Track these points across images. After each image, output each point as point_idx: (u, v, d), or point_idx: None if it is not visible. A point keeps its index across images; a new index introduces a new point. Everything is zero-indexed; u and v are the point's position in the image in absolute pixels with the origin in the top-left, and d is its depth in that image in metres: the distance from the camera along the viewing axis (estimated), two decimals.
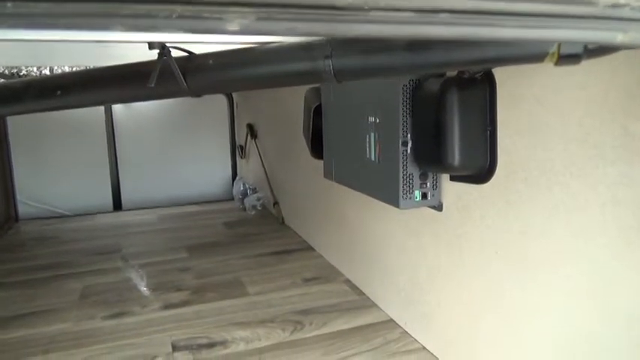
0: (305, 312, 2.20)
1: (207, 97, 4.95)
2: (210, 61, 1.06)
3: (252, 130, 4.26)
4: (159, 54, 1.01)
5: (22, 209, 4.15)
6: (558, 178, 1.24)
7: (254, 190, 4.07)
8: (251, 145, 4.31)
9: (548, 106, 1.26)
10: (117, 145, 4.47)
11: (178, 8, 0.29)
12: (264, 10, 0.32)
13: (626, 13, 0.42)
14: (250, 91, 4.31)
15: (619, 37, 0.45)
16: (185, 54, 1.11)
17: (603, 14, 0.43)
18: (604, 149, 1.11)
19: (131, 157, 4.53)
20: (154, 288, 2.53)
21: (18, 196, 4.12)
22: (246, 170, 4.59)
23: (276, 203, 3.75)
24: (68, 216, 4.21)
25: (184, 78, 1.08)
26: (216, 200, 4.59)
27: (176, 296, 2.39)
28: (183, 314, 2.21)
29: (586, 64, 1.14)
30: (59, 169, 4.26)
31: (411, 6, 0.35)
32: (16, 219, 4.06)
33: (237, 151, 4.78)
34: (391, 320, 2.10)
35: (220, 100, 4.76)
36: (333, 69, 0.98)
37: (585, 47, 0.86)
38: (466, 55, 0.90)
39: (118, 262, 2.93)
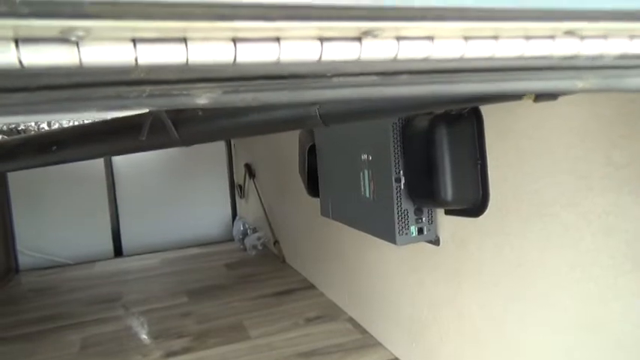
0: (308, 354, 2.16)
1: None
2: (200, 112, 1.09)
3: (250, 170, 4.30)
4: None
5: (23, 259, 4.13)
6: (548, 209, 1.25)
7: (254, 230, 4.07)
8: (249, 185, 4.34)
9: (534, 138, 1.29)
10: (117, 191, 4.50)
11: (147, 88, 0.31)
12: (229, 84, 0.34)
13: (580, 62, 0.44)
14: None
15: (579, 85, 0.47)
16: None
17: (560, 65, 0.45)
18: (591, 179, 1.12)
19: (131, 202, 4.54)
20: (155, 335, 2.49)
21: (18, 247, 4.11)
22: (246, 210, 4.60)
23: (276, 242, 3.74)
24: (69, 265, 4.19)
25: (175, 128, 1.10)
26: (217, 241, 4.58)
27: (178, 343, 2.36)
28: None
29: (565, 97, 1.17)
30: (59, 218, 4.27)
31: (374, 70, 0.38)
32: (17, 270, 4.05)
33: (236, 190, 4.80)
34: (396, 359, 2.06)
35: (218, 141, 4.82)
36: (319, 114, 1.01)
37: None
38: (445, 96, 0.93)
39: (118, 310, 2.90)
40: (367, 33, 0.32)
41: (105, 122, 1.12)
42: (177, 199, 4.66)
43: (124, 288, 3.35)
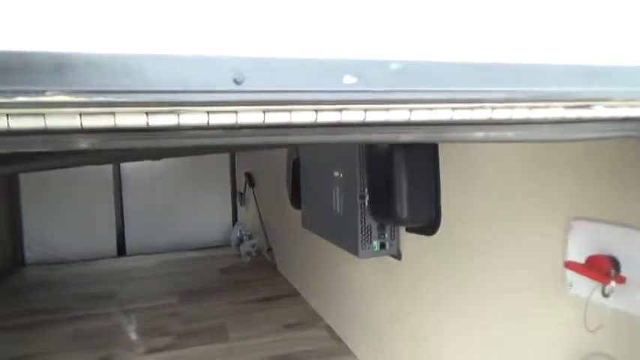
0: (282, 357, 2.28)
1: None
2: None
3: (250, 179, 4.44)
4: None
5: (29, 254, 4.33)
6: (484, 230, 1.36)
7: (249, 237, 4.20)
8: (249, 193, 4.48)
9: (478, 165, 1.40)
10: (123, 193, 4.68)
11: (39, 139, 0.45)
12: (107, 135, 0.47)
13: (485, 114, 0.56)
14: None
15: (479, 135, 0.60)
16: None
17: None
18: (517, 203, 1.23)
19: (137, 204, 4.72)
20: (142, 333, 2.63)
21: (25, 242, 4.31)
22: (245, 217, 4.75)
23: (269, 249, 3.87)
24: (73, 261, 4.37)
25: None
26: (217, 246, 4.72)
27: (161, 341, 2.49)
28: (165, 358, 2.30)
29: None
30: (66, 216, 4.46)
31: (217, 124, 0.50)
32: (23, 264, 4.24)
33: (237, 198, 4.95)
34: None
35: None
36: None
37: None
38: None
39: (111, 307, 3.05)
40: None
41: None
42: (180, 203, 4.83)
43: (120, 286, 3.51)
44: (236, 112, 0.46)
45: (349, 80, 0.44)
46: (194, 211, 4.86)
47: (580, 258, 1.02)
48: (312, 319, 2.71)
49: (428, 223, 1.63)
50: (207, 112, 0.45)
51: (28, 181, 4.28)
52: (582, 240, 1.02)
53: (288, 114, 0.47)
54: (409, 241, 1.79)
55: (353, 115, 0.51)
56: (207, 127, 0.49)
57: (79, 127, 0.42)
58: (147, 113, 0.44)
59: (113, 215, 4.66)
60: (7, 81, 0.35)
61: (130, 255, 4.59)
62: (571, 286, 1.06)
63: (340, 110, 0.50)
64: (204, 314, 2.86)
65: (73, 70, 0.36)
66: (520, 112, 0.57)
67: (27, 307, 3.15)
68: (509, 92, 0.52)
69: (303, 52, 0.43)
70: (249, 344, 2.44)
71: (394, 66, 0.45)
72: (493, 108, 0.55)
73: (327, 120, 0.50)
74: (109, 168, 4.58)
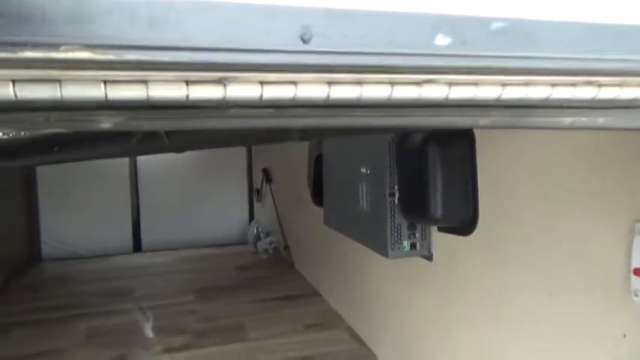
0: (302, 359, 2.20)
1: None
2: None
3: (267, 175, 4.37)
4: None
5: (46, 250, 4.31)
6: (527, 231, 1.25)
7: (267, 234, 4.13)
8: (266, 190, 4.41)
9: (520, 160, 1.29)
10: (139, 189, 4.64)
11: (53, 115, 0.36)
12: (131, 112, 0.38)
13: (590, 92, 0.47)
14: None
15: (567, 121, 0.50)
16: None
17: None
18: (568, 205, 1.13)
19: (153, 200, 4.68)
20: (158, 331, 2.57)
21: (42, 237, 4.29)
22: (262, 214, 4.67)
23: (287, 247, 3.79)
24: (89, 257, 4.34)
25: (167, 135, 1.16)
26: (232, 243, 4.65)
27: (178, 340, 2.42)
28: (182, 358, 2.23)
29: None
30: (83, 212, 4.43)
31: (270, 102, 0.41)
32: (40, 259, 4.22)
33: (254, 194, 4.88)
34: None
35: None
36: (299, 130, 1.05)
37: None
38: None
39: (127, 304, 3.00)
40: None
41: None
42: (197, 200, 4.77)
43: (136, 283, 3.45)
44: (295, 83, 0.37)
45: (442, 41, 0.35)
46: (210, 208, 4.80)
47: None
48: (333, 320, 2.62)
49: (464, 223, 1.52)
50: (261, 83, 0.36)
51: (44, 174, 4.26)
52: None
53: (358, 88, 0.38)
54: (442, 241, 1.68)
55: (435, 90, 0.41)
56: (258, 104, 0.40)
57: (104, 98, 0.33)
58: (187, 82, 0.35)
59: (129, 210, 4.62)
60: (11, 31, 0.26)
61: (146, 251, 4.55)
62: (637, 295, 0.95)
63: (420, 83, 0.40)
64: (222, 312, 2.79)
65: (95, 18, 0.28)
66: (629, 92, 0.47)
67: (42, 303, 3.11)
68: (622, 62, 0.42)
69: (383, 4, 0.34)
70: (269, 344, 2.36)
71: (497, 25, 0.36)
72: (600, 85, 0.45)
73: (402, 96, 0.41)
74: (125, 161, 4.55)
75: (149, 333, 2.55)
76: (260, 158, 4.73)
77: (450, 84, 0.41)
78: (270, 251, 3.98)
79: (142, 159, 4.63)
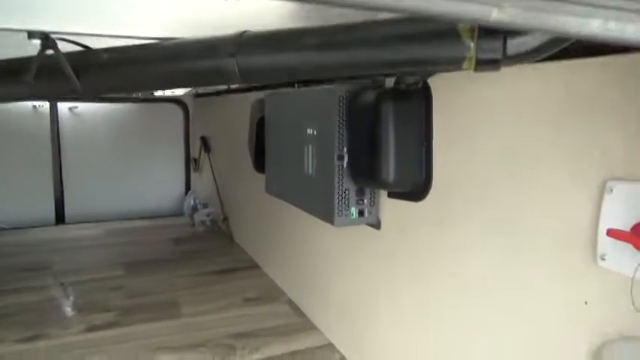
0: (240, 335, 2.06)
1: (160, 107, 4.81)
2: (105, 56, 0.94)
3: (205, 144, 4.12)
4: (41, 45, 0.89)
5: None
6: (490, 193, 1.17)
7: (204, 206, 3.91)
8: (204, 159, 4.16)
9: (480, 115, 1.20)
10: (62, 154, 4.23)
11: None
12: None
13: None
14: (204, 102, 4.18)
15: (494, 14, 0.37)
16: (81, 48, 0.99)
17: None
18: (537, 153, 1.04)
19: (77, 167, 4.29)
20: (80, 308, 2.33)
21: None
22: (200, 184, 4.43)
23: (225, 219, 3.61)
24: (5, 229, 3.93)
25: (76, 75, 0.95)
26: (168, 215, 4.39)
27: (102, 317, 2.21)
28: (106, 337, 2.03)
29: (518, 71, 1.08)
30: None
31: None
32: None
33: (191, 164, 4.61)
34: (330, 344, 1.98)
35: (175, 111, 4.61)
36: (237, 68, 0.88)
37: (504, 52, 0.80)
38: (377, 57, 0.82)
39: (45, 279, 2.72)
40: None
41: None
42: (128, 168, 4.45)
43: (58, 257, 3.15)
44: None
45: None
46: (144, 178, 4.49)
47: (620, 226, 0.84)
48: (273, 294, 2.50)
49: (416, 187, 1.43)
50: None
51: None
52: (625, 205, 0.84)
53: None
54: (391, 207, 1.58)
55: None
56: None
57: None
58: None
59: (51, 179, 4.21)
60: None
61: (70, 223, 4.19)
62: (603, 259, 0.89)
63: None
64: (154, 287, 2.59)
65: None
66: None
67: None
68: None
69: None
70: (205, 320, 2.20)
71: None
72: None
73: None
74: (45, 126, 4.12)
75: (68, 311, 2.31)
76: (198, 126, 4.46)
77: None
78: (208, 223, 3.78)
79: (64, 119, 4.21)
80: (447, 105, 1.32)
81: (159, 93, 3.65)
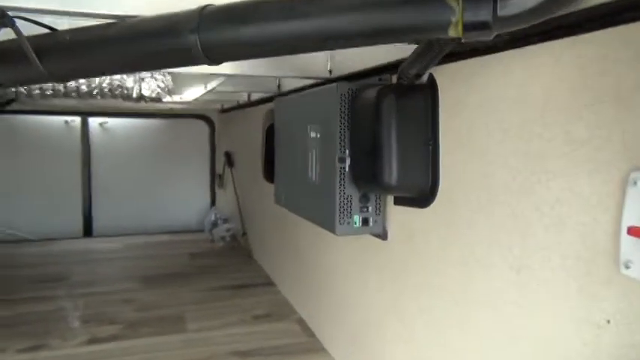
0: (243, 353, 1.95)
1: (187, 122, 4.83)
2: (68, 37, 0.88)
3: (229, 159, 4.09)
4: None
5: None
6: (499, 197, 1.03)
7: (225, 221, 3.86)
8: (228, 174, 4.13)
9: (489, 111, 1.06)
10: (91, 168, 4.31)
11: None
12: None
13: None
14: (229, 117, 4.17)
15: None
16: (47, 30, 0.93)
17: None
18: (545, 160, 0.90)
19: (106, 181, 4.34)
20: (87, 319, 2.28)
21: None
22: (224, 200, 4.39)
23: (244, 234, 3.53)
24: (32, 240, 4.00)
25: (39, 59, 0.89)
26: (191, 230, 4.36)
27: (106, 330, 2.14)
28: (107, 350, 1.96)
29: (527, 57, 0.95)
30: (31, 192, 4.08)
31: None
32: None
33: (216, 180, 4.59)
34: None
35: (201, 127, 4.63)
36: (200, 45, 0.80)
37: (494, 13, 0.68)
38: (354, 24, 0.71)
39: (59, 290, 2.70)
40: None
41: None
42: (155, 183, 4.48)
43: (77, 269, 3.15)
44: None
45: None
46: (169, 194, 4.50)
47: None
48: (284, 312, 2.38)
49: (421, 193, 1.29)
50: None
51: None
52: None
53: None
54: (398, 216, 1.45)
55: None
56: None
57: None
58: None
59: (80, 193, 4.28)
60: None
61: (97, 236, 4.22)
62: (628, 267, 0.73)
63: None
64: (164, 301, 2.51)
65: None
66: None
67: None
68: None
69: None
70: (209, 336, 2.10)
71: None
72: None
73: None
74: (76, 141, 4.22)
75: (74, 322, 2.26)
76: (224, 142, 4.46)
77: None
78: (227, 239, 3.71)
79: (95, 135, 4.29)
80: (455, 101, 1.19)
81: (182, 106, 3.65)
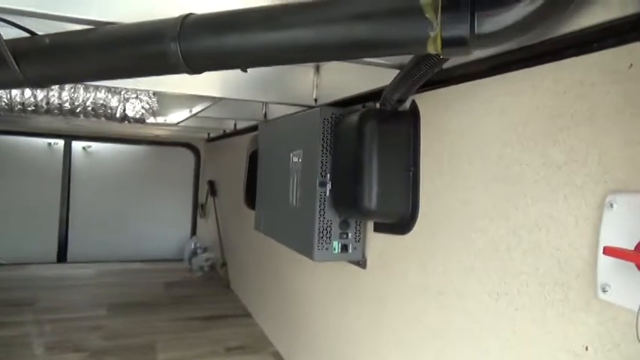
0: None
1: (173, 150, 4.80)
2: (47, 41, 0.87)
3: (212, 188, 4.05)
4: None
5: None
6: (478, 223, 1.01)
7: (204, 250, 3.78)
8: (210, 204, 4.08)
9: (470, 138, 1.07)
10: (71, 192, 4.22)
11: None
12: None
13: None
14: (215, 146, 4.16)
15: None
16: (27, 34, 0.92)
17: None
18: (524, 185, 0.90)
19: (85, 206, 4.25)
20: (52, 346, 2.17)
21: None
22: (205, 230, 4.32)
23: (224, 264, 3.45)
24: (3, 264, 3.85)
25: (16, 63, 0.88)
26: (170, 259, 4.26)
27: (70, 358, 2.04)
28: None
29: (507, 83, 0.96)
30: (7, 215, 3.97)
31: None
32: None
33: (198, 209, 4.53)
34: None
35: (187, 155, 4.61)
36: (181, 52, 0.79)
37: (471, 29, 0.68)
38: (335, 37, 0.72)
39: (27, 315, 2.58)
40: None
41: None
42: (136, 211, 4.41)
43: (45, 294, 3.02)
44: None
45: None
46: (150, 221, 4.43)
47: (624, 246, 0.68)
48: (259, 344, 2.29)
49: (402, 218, 1.28)
50: None
51: None
52: (629, 220, 0.68)
53: None
54: (377, 242, 1.43)
55: None
56: None
57: None
58: None
59: (57, 217, 4.18)
60: None
61: (71, 262, 4.09)
62: (605, 290, 0.72)
63: None
64: (133, 330, 2.41)
65: None
66: None
67: None
68: None
69: None
70: None
71: None
72: None
73: None
74: (58, 164, 4.15)
75: (38, 349, 2.15)
76: (208, 171, 4.43)
77: None
78: (206, 269, 3.62)
79: (77, 158, 4.23)
80: (436, 127, 1.19)
81: (168, 133, 3.63)
